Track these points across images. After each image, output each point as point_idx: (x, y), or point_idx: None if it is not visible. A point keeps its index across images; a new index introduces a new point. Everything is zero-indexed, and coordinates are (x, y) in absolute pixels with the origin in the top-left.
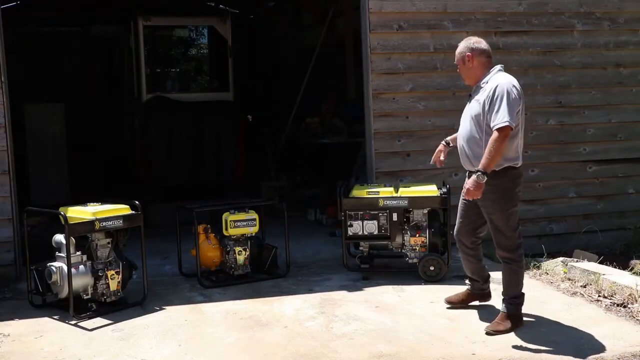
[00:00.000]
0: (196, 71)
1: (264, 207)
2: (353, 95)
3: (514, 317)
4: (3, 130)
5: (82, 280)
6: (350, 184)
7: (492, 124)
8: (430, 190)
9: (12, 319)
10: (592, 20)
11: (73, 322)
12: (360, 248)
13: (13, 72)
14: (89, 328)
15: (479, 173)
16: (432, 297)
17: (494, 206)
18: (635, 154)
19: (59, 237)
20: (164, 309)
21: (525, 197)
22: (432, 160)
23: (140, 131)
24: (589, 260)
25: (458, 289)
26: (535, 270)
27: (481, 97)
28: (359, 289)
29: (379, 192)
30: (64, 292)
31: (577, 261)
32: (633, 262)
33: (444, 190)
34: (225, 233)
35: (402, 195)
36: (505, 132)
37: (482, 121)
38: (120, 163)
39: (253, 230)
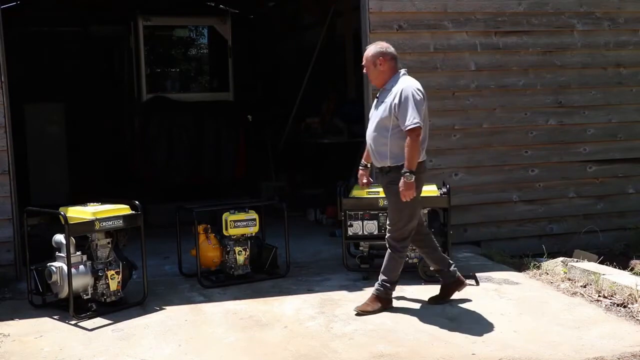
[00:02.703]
0: (196, 71)
1: (264, 207)
2: (353, 95)
3: (383, 300)
4: (3, 130)
5: (82, 280)
6: (350, 184)
7: (403, 126)
8: (430, 190)
9: (12, 319)
10: (592, 20)
11: (73, 322)
12: (360, 248)
13: (13, 72)
14: (89, 328)
15: (407, 173)
16: None
17: (397, 196)
18: (635, 154)
19: (59, 237)
20: (164, 309)
21: (525, 197)
22: (359, 184)
23: (140, 131)
24: (589, 260)
25: None
26: (535, 270)
27: (388, 99)
28: (359, 289)
29: (379, 192)
30: (64, 292)
31: (577, 261)
32: (633, 262)
33: (444, 190)
34: (225, 233)
35: None
36: (416, 132)
37: (387, 122)
38: (120, 163)
39: (253, 230)
